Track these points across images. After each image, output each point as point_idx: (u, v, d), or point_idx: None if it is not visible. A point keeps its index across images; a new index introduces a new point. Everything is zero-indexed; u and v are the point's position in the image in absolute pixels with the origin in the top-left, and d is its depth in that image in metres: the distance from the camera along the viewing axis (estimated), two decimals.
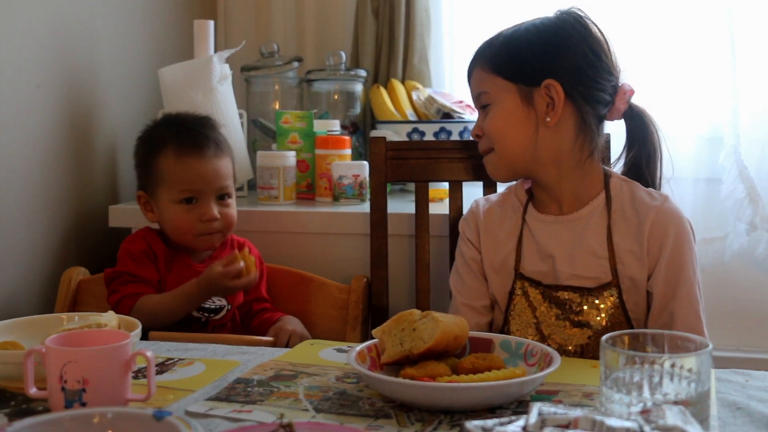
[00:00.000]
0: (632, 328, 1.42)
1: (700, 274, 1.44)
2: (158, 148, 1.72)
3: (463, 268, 1.57)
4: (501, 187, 1.87)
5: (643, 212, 1.43)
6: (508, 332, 1.48)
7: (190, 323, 1.68)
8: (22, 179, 1.85)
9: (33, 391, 1.03)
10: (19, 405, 1.07)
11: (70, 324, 1.25)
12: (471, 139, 2.13)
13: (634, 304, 1.43)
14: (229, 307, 1.73)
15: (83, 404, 0.99)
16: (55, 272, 1.93)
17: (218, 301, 1.72)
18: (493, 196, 1.63)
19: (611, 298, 1.41)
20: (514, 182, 1.59)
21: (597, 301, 1.42)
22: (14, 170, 1.82)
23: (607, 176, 1.49)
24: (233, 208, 1.76)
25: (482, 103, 1.50)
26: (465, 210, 1.66)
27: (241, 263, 1.61)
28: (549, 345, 1.42)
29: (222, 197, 1.73)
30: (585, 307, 1.42)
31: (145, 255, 1.70)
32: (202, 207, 1.70)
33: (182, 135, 1.73)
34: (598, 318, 1.42)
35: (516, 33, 1.48)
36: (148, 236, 1.74)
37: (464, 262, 1.57)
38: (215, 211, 1.70)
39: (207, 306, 1.70)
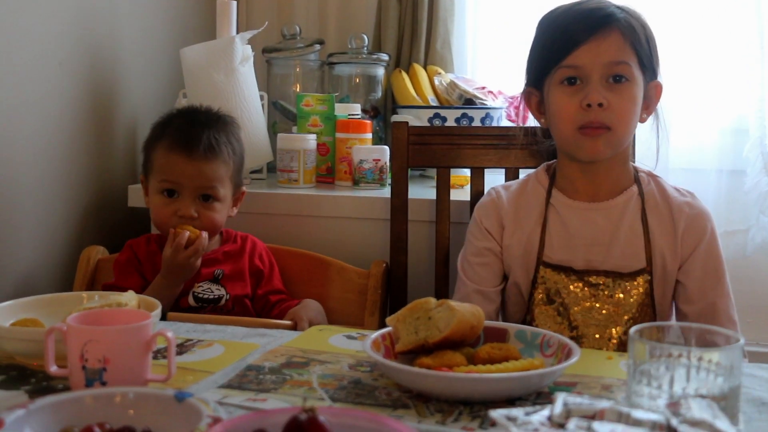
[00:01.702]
0: (655, 317, 1.46)
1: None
2: (158, 138, 1.74)
3: (474, 258, 1.56)
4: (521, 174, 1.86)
5: (676, 207, 1.48)
6: (531, 322, 1.47)
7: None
8: (43, 157, 1.85)
9: (54, 369, 1.03)
10: (40, 382, 1.07)
11: (90, 303, 1.25)
12: (494, 125, 2.14)
13: (661, 295, 1.47)
14: (228, 296, 1.72)
15: (104, 383, 0.99)
16: (74, 251, 1.93)
17: (216, 291, 1.71)
18: (511, 184, 1.61)
19: (644, 285, 1.45)
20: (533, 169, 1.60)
21: (629, 287, 1.44)
22: (35, 148, 1.82)
23: (635, 170, 1.53)
24: (219, 212, 1.72)
25: (616, 73, 1.41)
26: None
27: (186, 233, 1.63)
28: (578, 334, 1.44)
29: (207, 199, 1.71)
30: (617, 293, 1.44)
31: (129, 264, 1.75)
32: (180, 202, 1.70)
33: (180, 131, 1.72)
34: (629, 304, 1.44)
35: (644, 22, 1.45)
36: (134, 243, 1.77)
37: (477, 251, 1.56)
38: (192, 209, 1.69)
39: (204, 296, 1.70)
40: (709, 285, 1.46)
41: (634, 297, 1.44)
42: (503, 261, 1.55)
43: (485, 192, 1.64)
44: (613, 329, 1.44)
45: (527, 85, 1.53)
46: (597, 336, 1.44)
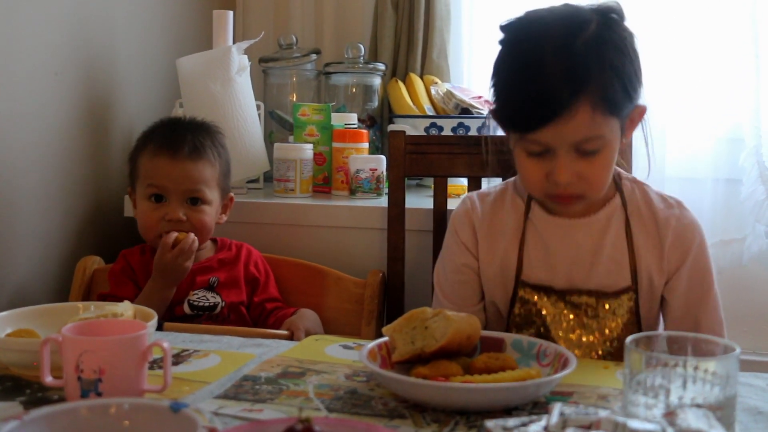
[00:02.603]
0: None
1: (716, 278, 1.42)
2: (142, 146, 1.75)
3: (453, 275, 1.47)
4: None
5: (662, 220, 1.38)
6: None
7: (185, 322, 1.67)
8: (38, 167, 1.85)
9: (49, 379, 1.02)
10: (35, 393, 1.07)
11: (86, 313, 1.24)
12: (490, 135, 2.14)
13: (647, 311, 1.39)
14: (224, 303, 1.72)
15: (99, 394, 0.99)
16: (70, 261, 1.93)
17: (212, 298, 1.71)
18: (488, 192, 1.50)
19: (628, 303, 1.37)
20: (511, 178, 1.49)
21: (614, 306, 1.37)
22: (30, 158, 1.82)
23: (617, 177, 1.42)
24: (207, 215, 1.71)
25: (588, 149, 1.27)
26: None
27: (173, 234, 1.64)
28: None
29: (195, 201, 1.70)
30: (601, 313, 1.37)
31: (124, 273, 1.75)
32: (168, 206, 1.69)
33: (164, 136, 1.73)
34: (614, 324, 1.37)
35: (622, 50, 1.26)
36: (128, 253, 1.77)
37: (455, 267, 1.46)
38: (180, 212, 1.68)
39: (200, 304, 1.70)
40: (693, 300, 1.38)
41: (619, 317, 1.36)
42: (480, 278, 1.45)
43: (461, 200, 1.53)
44: (596, 352, 1.37)
45: (494, 107, 1.36)
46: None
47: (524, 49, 1.29)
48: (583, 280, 1.38)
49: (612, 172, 1.34)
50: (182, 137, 1.71)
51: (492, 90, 1.34)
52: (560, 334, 1.38)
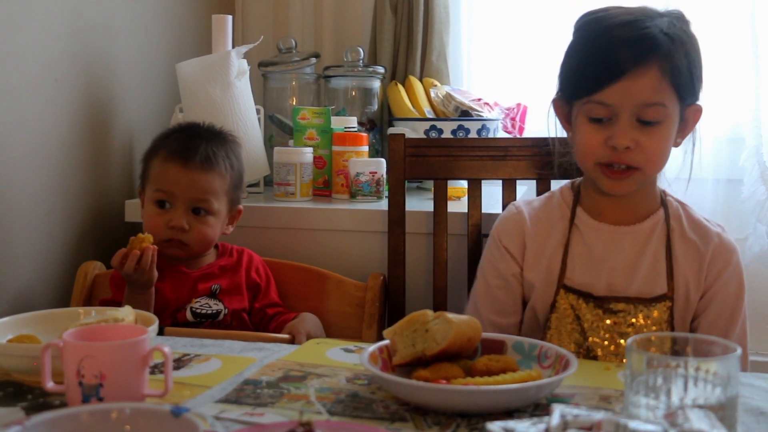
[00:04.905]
0: None
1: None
2: (156, 149, 1.75)
3: (496, 281, 1.49)
4: (521, 185, 1.85)
5: (704, 235, 1.43)
6: None
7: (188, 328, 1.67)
8: (39, 173, 1.85)
9: (50, 385, 1.03)
10: (36, 399, 1.07)
11: (87, 318, 1.24)
12: (490, 137, 2.14)
13: (681, 324, 1.42)
14: (227, 311, 1.72)
15: (100, 399, 0.99)
16: (71, 266, 1.93)
17: (214, 305, 1.71)
18: (533, 201, 1.54)
19: (665, 311, 1.39)
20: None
21: (650, 313, 1.39)
22: (31, 164, 1.82)
23: (663, 193, 1.48)
24: (211, 227, 1.70)
25: (649, 118, 1.32)
26: (502, 213, 1.57)
27: (118, 253, 1.59)
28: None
29: (198, 211, 1.70)
30: (638, 318, 1.39)
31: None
32: (173, 213, 1.69)
33: (179, 141, 1.72)
34: (652, 328, 1.39)
35: (689, 43, 1.35)
36: None
37: (499, 275, 1.49)
38: (184, 221, 1.67)
39: (202, 311, 1.70)
40: (721, 323, 1.42)
41: (655, 325, 1.38)
42: (523, 284, 1.48)
43: (504, 208, 1.58)
44: None
45: (559, 93, 1.45)
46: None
47: (594, 27, 1.37)
48: (623, 287, 1.41)
49: (668, 154, 1.37)
50: (196, 146, 1.70)
51: (559, 75, 1.43)
52: (597, 341, 1.39)
